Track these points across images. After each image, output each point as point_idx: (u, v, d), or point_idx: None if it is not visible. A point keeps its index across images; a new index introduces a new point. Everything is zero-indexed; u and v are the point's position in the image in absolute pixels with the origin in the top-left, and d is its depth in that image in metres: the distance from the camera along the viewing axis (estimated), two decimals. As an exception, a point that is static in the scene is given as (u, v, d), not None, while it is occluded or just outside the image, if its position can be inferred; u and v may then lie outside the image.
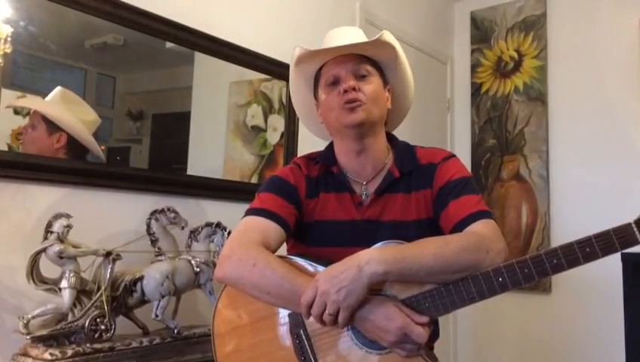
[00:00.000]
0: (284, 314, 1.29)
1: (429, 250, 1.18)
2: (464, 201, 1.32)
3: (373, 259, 1.15)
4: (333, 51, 1.39)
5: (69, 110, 1.74)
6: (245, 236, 1.30)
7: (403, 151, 1.45)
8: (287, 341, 1.28)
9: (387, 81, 1.45)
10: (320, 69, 1.43)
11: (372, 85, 1.38)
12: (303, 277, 1.22)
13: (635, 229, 1.08)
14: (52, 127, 1.70)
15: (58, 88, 1.72)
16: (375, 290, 1.21)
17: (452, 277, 1.18)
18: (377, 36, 1.37)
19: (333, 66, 1.39)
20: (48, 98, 1.71)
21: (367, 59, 1.39)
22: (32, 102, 1.69)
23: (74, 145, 1.75)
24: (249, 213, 1.37)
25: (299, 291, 1.19)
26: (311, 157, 1.49)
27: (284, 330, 1.29)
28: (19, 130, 1.65)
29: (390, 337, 1.16)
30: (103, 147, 1.89)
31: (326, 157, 1.46)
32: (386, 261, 1.15)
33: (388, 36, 1.39)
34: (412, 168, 1.41)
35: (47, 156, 1.69)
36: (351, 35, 1.43)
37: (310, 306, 1.17)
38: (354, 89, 1.34)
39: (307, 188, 1.42)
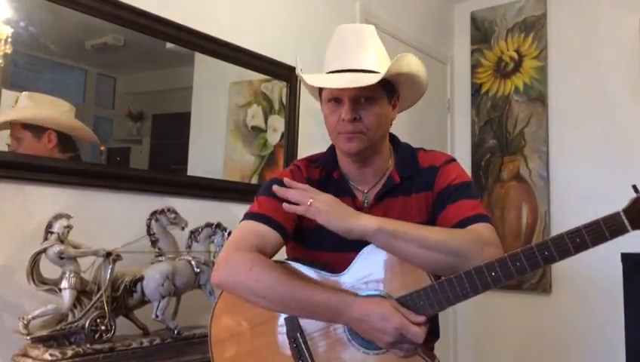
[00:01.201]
0: (281, 318, 1.29)
1: (425, 228, 1.25)
2: (463, 205, 1.32)
3: (368, 221, 1.22)
4: (330, 84, 1.33)
5: (41, 108, 1.72)
6: (242, 241, 1.30)
7: (405, 156, 1.44)
8: (285, 345, 1.28)
9: (395, 89, 1.40)
10: None
11: (374, 112, 1.32)
12: (298, 280, 1.23)
13: (623, 218, 1.09)
14: (36, 130, 1.68)
15: (23, 94, 1.66)
16: (370, 291, 1.22)
17: (443, 259, 1.19)
18: (387, 70, 1.29)
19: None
20: (18, 106, 1.66)
21: None
22: (7, 115, 1.64)
23: (64, 141, 1.74)
24: (247, 217, 1.36)
25: (294, 295, 1.19)
26: (311, 160, 1.48)
27: (281, 335, 1.29)
28: (11, 144, 1.64)
29: (387, 337, 1.15)
30: (103, 147, 1.89)
31: (327, 162, 1.45)
32: (379, 219, 1.22)
33: (395, 67, 1.30)
34: (413, 173, 1.40)
35: (48, 157, 1.69)
36: (358, 52, 1.35)
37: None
38: (355, 119, 1.31)
39: None
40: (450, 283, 1.17)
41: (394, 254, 1.23)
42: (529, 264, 1.13)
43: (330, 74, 1.35)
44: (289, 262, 1.33)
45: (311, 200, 1.23)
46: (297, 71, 1.44)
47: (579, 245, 1.11)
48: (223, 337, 1.33)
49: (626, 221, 1.09)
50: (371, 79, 1.28)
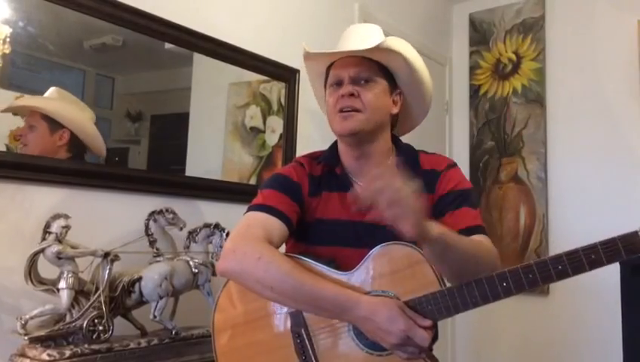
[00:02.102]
0: (285, 312, 1.29)
1: (464, 237, 1.22)
2: (465, 213, 1.33)
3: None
4: (333, 55, 1.39)
5: (69, 107, 1.73)
6: (249, 231, 1.30)
7: (406, 156, 1.45)
8: (288, 339, 1.28)
9: (397, 85, 1.43)
10: (329, 67, 1.43)
11: (373, 92, 1.36)
12: (307, 274, 1.23)
13: None
14: (54, 124, 1.69)
15: (53, 88, 1.70)
16: (377, 291, 1.22)
17: (474, 269, 1.18)
18: (378, 43, 1.34)
19: (337, 68, 1.39)
20: (46, 96, 1.70)
21: (374, 64, 1.37)
22: (32, 100, 1.68)
23: (75, 142, 1.75)
24: (252, 208, 1.36)
25: (302, 288, 1.19)
26: (313, 157, 1.49)
27: (284, 329, 1.29)
28: (17, 131, 1.64)
29: (392, 339, 1.15)
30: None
31: (329, 158, 1.46)
32: (441, 226, 1.14)
33: (392, 43, 1.35)
34: (414, 174, 1.41)
35: (46, 157, 1.69)
36: (363, 36, 1.41)
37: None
38: (352, 95, 1.34)
39: (310, 186, 1.42)
40: (461, 290, 1.17)
41: (439, 262, 1.19)
42: (542, 277, 1.13)
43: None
44: (297, 255, 1.33)
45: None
46: (304, 49, 1.46)
47: (593, 261, 1.10)
48: (225, 328, 1.33)
49: None
50: (370, 46, 1.34)
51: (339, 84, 1.38)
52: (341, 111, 1.36)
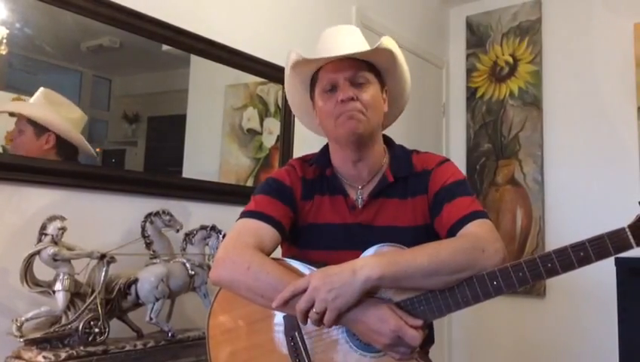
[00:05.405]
0: (279, 316, 1.29)
1: (423, 252, 1.19)
2: (457, 204, 1.32)
3: (367, 264, 1.15)
4: (330, 59, 1.36)
5: (53, 110, 1.72)
6: (240, 239, 1.30)
7: (399, 156, 1.45)
8: (282, 343, 1.28)
9: (384, 83, 1.43)
10: (317, 71, 1.40)
11: (370, 93, 1.35)
12: (297, 280, 1.22)
13: (628, 233, 1.08)
14: (39, 128, 1.68)
15: (41, 89, 1.69)
16: (370, 293, 1.21)
17: (450, 279, 1.17)
18: (378, 44, 1.34)
19: (329, 72, 1.35)
20: (32, 100, 1.69)
21: (365, 64, 1.36)
22: (15, 106, 1.66)
23: (63, 145, 1.74)
24: (244, 215, 1.36)
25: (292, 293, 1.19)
26: (306, 159, 1.49)
27: (279, 333, 1.29)
28: (10, 134, 1.63)
29: (383, 339, 1.15)
30: (98, 149, 1.89)
31: (320, 160, 1.45)
32: (380, 265, 1.15)
33: (388, 42, 1.36)
34: (407, 174, 1.41)
35: (43, 158, 1.68)
36: (349, 38, 1.41)
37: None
38: (352, 99, 1.32)
39: (303, 189, 1.42)
40: (452, 290, 1.17)
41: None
42: (531, 275, 1.13)
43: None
44: (287, 259, 1.33)
45: (308, 293, 1.14)
46: (292, 58, 1.41)
47: (582, 259, 1.10)
48: (219, 333, 1.33)
49: (630, 237, 1.08)
50: (367, 49, 1.34)
51: (333, 89, 1.35)
52: (342, 116, 1.34)
